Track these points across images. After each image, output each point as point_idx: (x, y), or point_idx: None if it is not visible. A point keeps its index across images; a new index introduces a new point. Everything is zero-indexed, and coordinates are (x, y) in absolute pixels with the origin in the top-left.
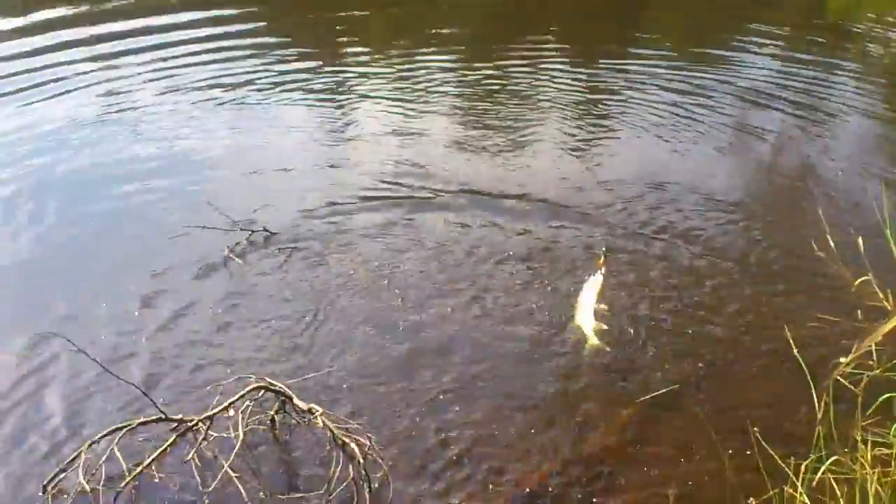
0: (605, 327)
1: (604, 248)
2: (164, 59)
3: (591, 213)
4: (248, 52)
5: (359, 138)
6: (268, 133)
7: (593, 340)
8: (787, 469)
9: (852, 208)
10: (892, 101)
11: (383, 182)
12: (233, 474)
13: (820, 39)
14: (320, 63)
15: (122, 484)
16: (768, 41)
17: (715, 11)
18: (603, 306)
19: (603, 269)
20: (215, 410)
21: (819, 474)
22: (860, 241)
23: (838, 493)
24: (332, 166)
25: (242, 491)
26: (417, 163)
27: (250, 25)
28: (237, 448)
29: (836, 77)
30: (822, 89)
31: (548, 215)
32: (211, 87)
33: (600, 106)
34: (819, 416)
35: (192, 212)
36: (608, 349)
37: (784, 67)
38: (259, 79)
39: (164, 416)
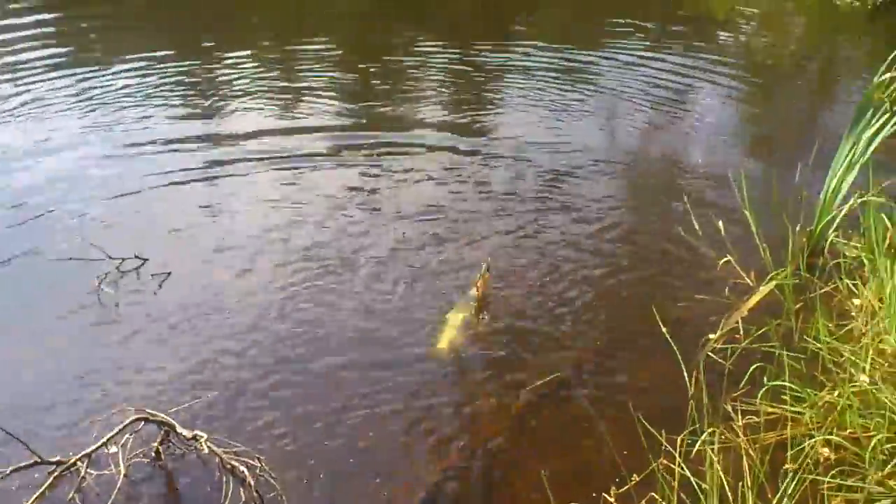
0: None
1: (484, 266)
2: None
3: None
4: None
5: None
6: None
7: (441, 346)
8: (667, 445)
9: (714, 193)
10: (748, 89)
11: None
12: None
13: (680, 30)
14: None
15: None
16: (631, 36)
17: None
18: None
19: (479, 287)
20: (93, 448)
21: (697, 447)
22: (721, 224)
23: (716, 462)
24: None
25: None
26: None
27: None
28: (120, 484)
29: (692, 68)
30: (683, 81)
31: None
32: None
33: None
34: (692, 391)
35: (60, 242)
36: (450, 357)
37: (647, 61)
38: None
39: (39, 459)
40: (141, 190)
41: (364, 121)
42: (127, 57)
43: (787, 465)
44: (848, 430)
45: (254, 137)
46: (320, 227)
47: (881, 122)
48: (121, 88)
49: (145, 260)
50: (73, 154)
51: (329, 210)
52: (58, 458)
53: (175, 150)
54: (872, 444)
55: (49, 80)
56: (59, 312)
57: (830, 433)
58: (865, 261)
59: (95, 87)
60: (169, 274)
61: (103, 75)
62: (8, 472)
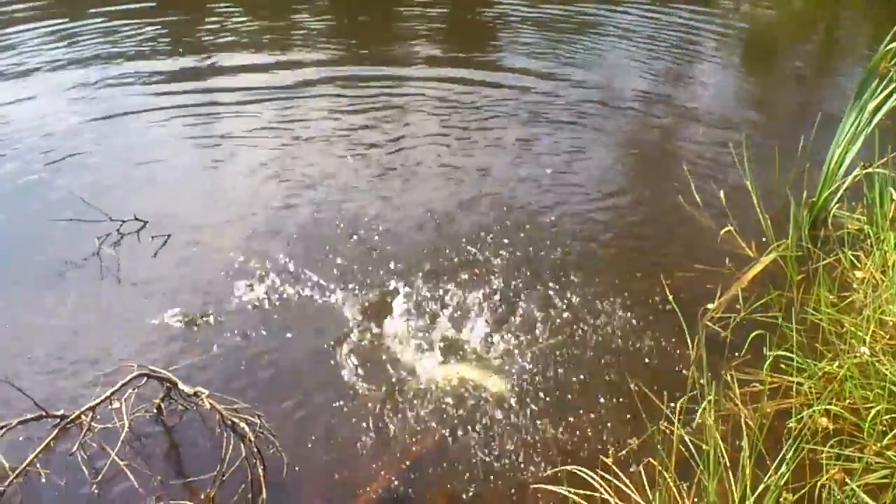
0: None
1: None
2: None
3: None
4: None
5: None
6: (142, 124)
7: None
8: (666, 411)
9: (716, 163)
10: (747, 57)
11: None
12: (122, 463)
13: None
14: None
15: (6, 483)
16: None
17: None
18: None
19: None
20: (97, 401)
21: (696, 415)
22: (722, 194)
23: (714, 429)
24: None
25: (133, 479)
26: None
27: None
28: (123, 437)
29: (695, 36)
30: (681, 50)
31: None
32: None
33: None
34: (693, 358)
35: (60, 204)
36: None
37: (646, 29)
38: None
39: (44, 413)
40: (136, 144)
41: (359, 53)
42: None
43: (785, 433)
44: (847, 401)
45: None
46: (321, 180)
47: (886, 92)
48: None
49: (145, 222)
50: (63, 111)
51: (326, 154)
52: (62, 412)
53: (170, 107)
54: (871, 414)
55: (35, 29)
56: (59, 271)
57: (830, 403)
58: (868, 233)
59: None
60: (169, 236)
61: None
62: (14, 423)
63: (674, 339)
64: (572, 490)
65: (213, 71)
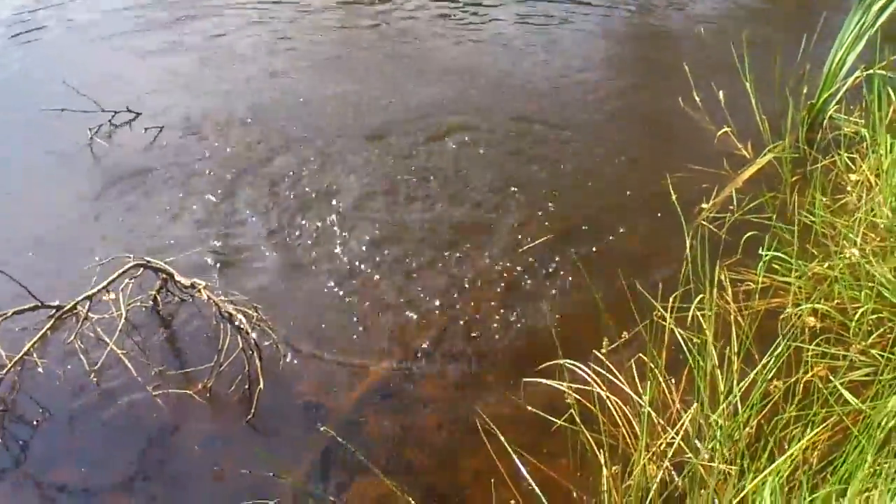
0: None
1: None
2: None
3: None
4: None
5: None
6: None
7: None
8: (658, 307)
9: (716, 63)
10: None
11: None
12: (119, 352)
13: None
14: None
15: (3, 372)
16: None
17: None
18: None
19: None
20: (93, 291)
21: (691, 312)
22: (721, 95)
23: (705, 325)
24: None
25: (131, 368)
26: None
27: None
28: (120, 327)
29: None
30: None
31: None
32: None
33: None
34: (686, 256)
35: (49, 95)
36: None
37: None
38: None
39: (40, 304)
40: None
41: None
42: None
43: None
44: (836, 301)
45: None
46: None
47: None
48: None
49: (138, 114)
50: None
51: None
52: (57, 302)
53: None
54: (858, 314)
55: None
56: (52, 162)
57: (819, 303)
58: (865, 135)
59: None
60: (161, 128)
61: None
62: (10, 313)
63: (669, 237)
64: (565, 384)
65: None
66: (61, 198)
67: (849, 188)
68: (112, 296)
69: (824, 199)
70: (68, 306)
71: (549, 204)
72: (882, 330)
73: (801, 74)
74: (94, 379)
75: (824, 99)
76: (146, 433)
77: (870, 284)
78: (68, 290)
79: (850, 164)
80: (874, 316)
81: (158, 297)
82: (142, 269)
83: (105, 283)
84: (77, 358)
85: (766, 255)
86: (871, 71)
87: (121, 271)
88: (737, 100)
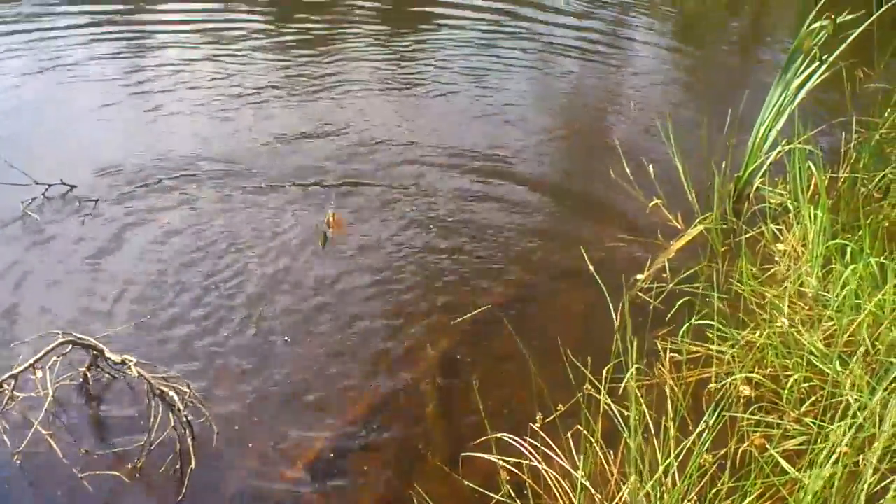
0: None
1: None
2: None
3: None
4: None
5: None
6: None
7: None
8: (592, 378)
9: (645, 139)
10: (680, 36)
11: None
12: (45, 433)
13: None
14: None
15: None
16: None
17: None
18: None
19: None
20: (20, 369)
21: (624, 383)
22: (651, 168)
23: (640, 396)
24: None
25: (57, 449)
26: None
27: None
28: (46, 406)
29: (626, 17)
30: (613, 29)
31: None
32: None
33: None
34: (617, 326)
35: None
36: None
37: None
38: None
39: None
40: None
41: None
42: None
43: (707, 399)
44: (768, 369)
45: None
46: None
47: (810, 70)
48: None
49: (73, 186)
50: None
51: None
52: None
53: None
54: (790, 382)
55: None
56: None
57: (751, 371)
58: (790, 206)
59: None
60: (97, 201)
61: None
62: None
63: (600, 309)
64: (501, 458)
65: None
66: None
67: (776, 258)
68: (39, 374)
69: (753, 269)
70: None
71: (482, 273)
72: (814, 399)
73: (728, 148)
74: (18, 461)
75: (750, 171)
76: None
77: (800, 353)
78: None
79: (777, 234)
80: (806, 384)
81: (88, 374)
82: (71, 345)
83: (32, 360)
84: (1, 439)
85: (694, 322)
86: (792, 145)
87: (49, 348)
88: (668, 172)
